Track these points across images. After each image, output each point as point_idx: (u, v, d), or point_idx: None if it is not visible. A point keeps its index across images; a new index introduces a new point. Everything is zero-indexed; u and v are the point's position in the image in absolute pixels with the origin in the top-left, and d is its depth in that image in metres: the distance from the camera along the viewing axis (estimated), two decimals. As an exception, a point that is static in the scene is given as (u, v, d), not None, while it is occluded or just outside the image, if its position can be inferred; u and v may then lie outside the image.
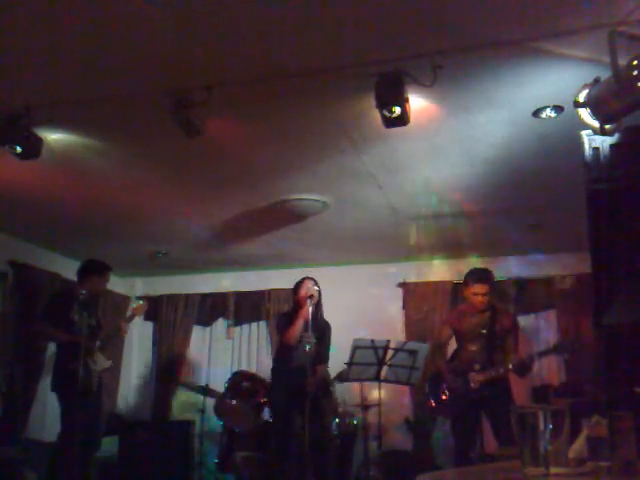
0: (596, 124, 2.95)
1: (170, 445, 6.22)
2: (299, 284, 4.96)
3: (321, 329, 4.91)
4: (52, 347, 5.70)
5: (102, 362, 5.06)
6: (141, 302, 5.90)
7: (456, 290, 6.69)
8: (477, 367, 4.76)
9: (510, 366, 4.67)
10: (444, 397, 4.87)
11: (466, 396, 4.74)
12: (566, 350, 4.70)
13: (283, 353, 4.96)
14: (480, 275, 4.92)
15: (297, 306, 4.91)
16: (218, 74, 3.31)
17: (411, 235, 6.10)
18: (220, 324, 7.67)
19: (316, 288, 4.88)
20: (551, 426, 1.39)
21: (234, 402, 5.60)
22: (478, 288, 4.85)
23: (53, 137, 4.00)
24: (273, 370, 5.05)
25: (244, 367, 7.16)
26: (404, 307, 7.12)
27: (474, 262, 6.89)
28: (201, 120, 3.50)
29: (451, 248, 6.69)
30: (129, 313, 5.63)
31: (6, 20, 2.86)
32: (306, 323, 4.71)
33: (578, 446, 1.68)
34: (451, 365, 4.92)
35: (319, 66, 3.24)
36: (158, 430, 6.46)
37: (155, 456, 6.08)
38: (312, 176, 4.78)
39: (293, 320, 4.83)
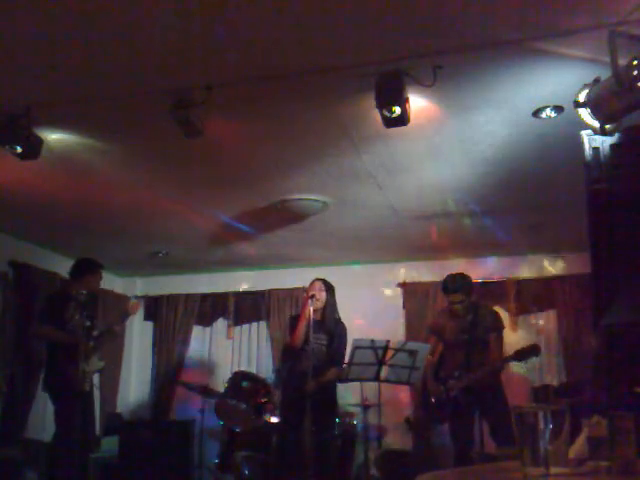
0: (596, 124, 2.95)
1: (170, 445, 6.20)
2: (309, 286, 4.97)
3: (331, 330, 4.89)
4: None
5: (95, 363, 5.03)
6: (135, 300, 5.88)
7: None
8: (456, 374, 4.77)
9: (489, 368, 4.67)
10: (433, 401, 4.92)
11: (448, 402, 4.76)
12: (524, 357, 4.68)
13: (288, 355, 4.97)
14: (449, 285, 4.88)
15: (302, 307, 4.93)
16: (218, 74, 3.31)
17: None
18: (220, 324, 7.68)
19: (323, 289, 4.89)
20: (551, 426, 1.38)
21: (234, 402, 5.59)
22: (451, 298, 4.88)
23: (53, 137, 4.00)
24: (278, 371, 5.04)
25: (244, 367, 7.16)
26: (404, 307, 7.12)
27: (474, 262, 6.93)
28: (201, 120, 3.49)
29: (452, 248, 6.69)
30: (123, 311, 5.65)
31: (6, 20, 2.86)
32: (309, 324, 4.70)
33: (578, 446, 1.68)
34: (436, 372, 4.94)
35: (319, 66, 3.24)
36: (158, 430, 6.44)
37: (155, 456, 6.06)
38: (312, 176, 4.78)
39: (297, 322, 4.86)
